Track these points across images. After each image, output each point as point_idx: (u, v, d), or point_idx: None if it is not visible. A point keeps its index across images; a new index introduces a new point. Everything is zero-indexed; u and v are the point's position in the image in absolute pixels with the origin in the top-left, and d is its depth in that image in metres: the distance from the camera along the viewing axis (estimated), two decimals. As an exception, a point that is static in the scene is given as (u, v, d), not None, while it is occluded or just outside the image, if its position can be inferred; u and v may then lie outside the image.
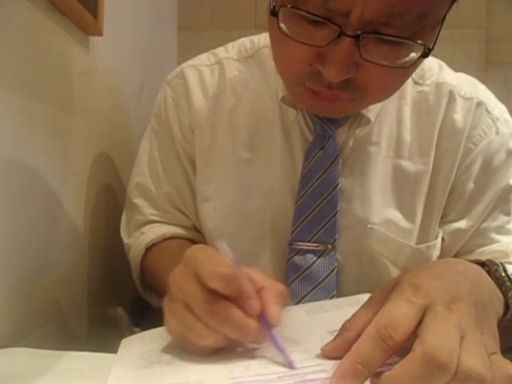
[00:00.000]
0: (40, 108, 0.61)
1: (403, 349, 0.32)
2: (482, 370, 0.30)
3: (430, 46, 0.44)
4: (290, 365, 0.35)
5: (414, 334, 0.32)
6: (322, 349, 0.36)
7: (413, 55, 0.44)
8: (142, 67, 1.10)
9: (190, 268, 0.38)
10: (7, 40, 0.53)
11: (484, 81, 0.65)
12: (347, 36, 0.42)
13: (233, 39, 0.70)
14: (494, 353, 0.32)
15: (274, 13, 0.44)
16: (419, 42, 0.43)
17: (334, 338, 0.36)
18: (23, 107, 0.56)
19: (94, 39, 0.77)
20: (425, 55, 0.44)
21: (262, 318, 0.37)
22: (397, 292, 0.34)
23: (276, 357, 0.37)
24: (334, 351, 0.36)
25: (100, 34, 0.75)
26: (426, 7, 0.41)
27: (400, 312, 0.32)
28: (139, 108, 1.04)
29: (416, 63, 0.45)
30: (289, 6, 0.43)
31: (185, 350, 0.39)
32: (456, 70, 0.66)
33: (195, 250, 0.42)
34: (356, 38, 0.42)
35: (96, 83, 0.80)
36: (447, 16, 0.44)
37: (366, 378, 0.32)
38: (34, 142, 0.59)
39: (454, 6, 0.45)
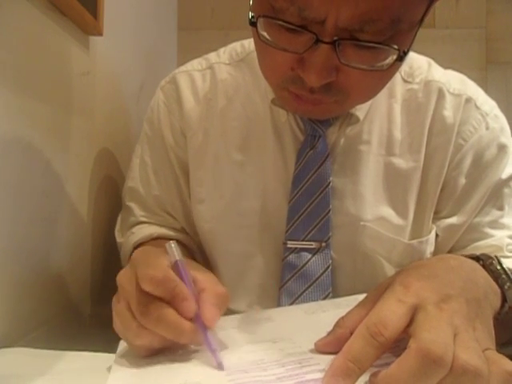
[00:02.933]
0: (40, 108, 0.61)
1: (400, 349, 0.32)
2: (478, 363, 0.30)
3: (406, 50, 0.45)
4: (219, 366, 0.36)
5: (408, 334, 0.32)
6: (315, 344, 0.38)
7: (390, 58, 0.45)
8: (142, 67, 1.10)
9: (132, 269, 0.40)
10: (7, 40, 0.53)
11: (484, 81, 0.65)
12: (324, 42, 0.43)
13: (233, 39, 0.70)
14: (488, 348, 0.33)
15: (252, 23, 0.46)
16: (394, 46, 0.43)
17: (327, 335, 0.37)
18: (23, 107, 0.57)
19: (93, 39, 0.77)
20: (400, 59, 0.45)
21: (199, 320, 0.38)
22: (388, 292, 0.35)
23: (276, 359, 0.37)
24: (325, 347, 0.37)
25: (100, 34, 0.75)
26: (399, 12, 0.42)
27: (390, 310, 0.33)
28: (139, 108, 1.04)
29: (395, 65, 0.46)
30: (267, 16, 0.44)
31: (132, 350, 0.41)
32: (456, 69, 0.66)
33: (140, 252, 0.44)
34: (333, 43, 0.43)
35: (96, 83, 0.80)
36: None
37: (358, 376, 0.32)
38: (34, 142, 0.59)
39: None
